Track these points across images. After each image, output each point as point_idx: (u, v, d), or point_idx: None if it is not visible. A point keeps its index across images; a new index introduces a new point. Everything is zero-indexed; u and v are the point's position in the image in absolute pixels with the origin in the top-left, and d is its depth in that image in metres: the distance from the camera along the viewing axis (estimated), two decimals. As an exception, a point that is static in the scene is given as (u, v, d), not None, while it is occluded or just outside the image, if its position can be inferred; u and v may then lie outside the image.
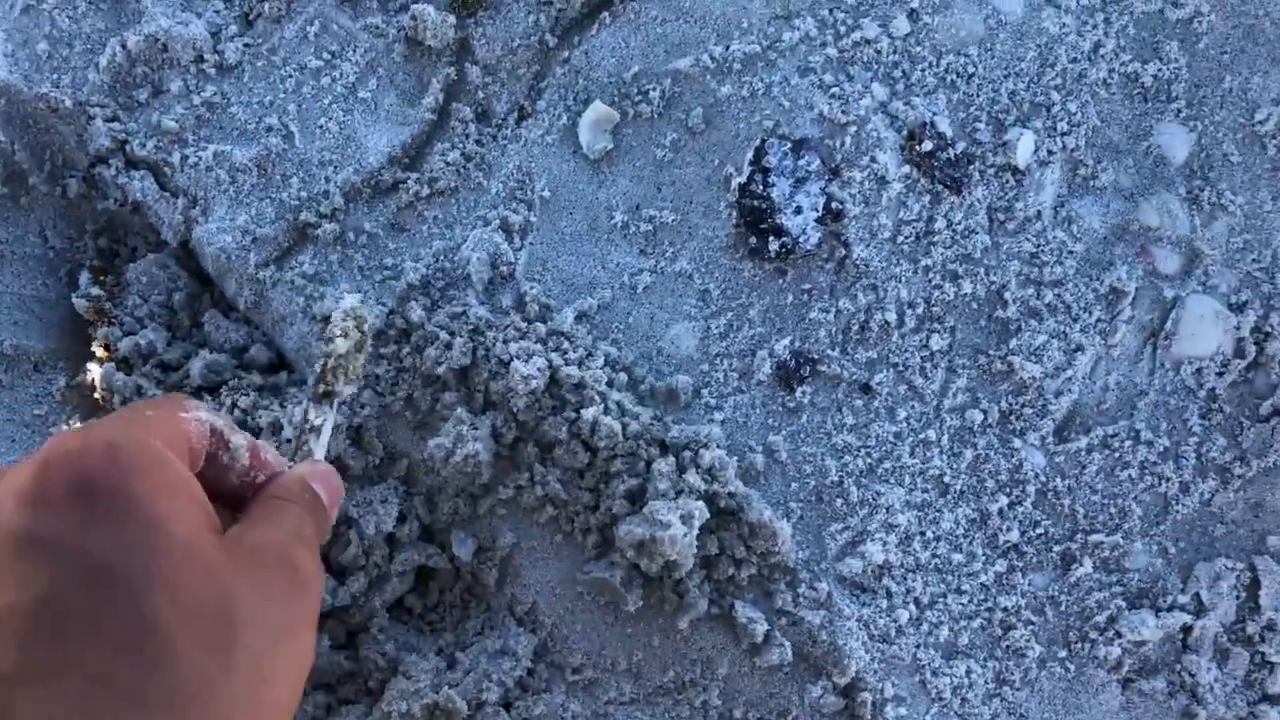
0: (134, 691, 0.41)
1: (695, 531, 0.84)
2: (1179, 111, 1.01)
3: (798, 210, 0.95)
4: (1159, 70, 0.98)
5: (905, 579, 0.90)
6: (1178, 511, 0.93)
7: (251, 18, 0.99)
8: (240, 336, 0.93)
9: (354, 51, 0.98)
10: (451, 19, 0.98)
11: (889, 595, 0.89)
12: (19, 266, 0.93)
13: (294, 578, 0.50)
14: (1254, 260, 0.98)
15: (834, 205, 0.95)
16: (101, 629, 0.41)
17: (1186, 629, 0.91)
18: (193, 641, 0.43)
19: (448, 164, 0.96)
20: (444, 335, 0.89)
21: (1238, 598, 0.92)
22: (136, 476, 0.45)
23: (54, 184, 0.95)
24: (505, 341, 0.90)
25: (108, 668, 0.41)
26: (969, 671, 0.89)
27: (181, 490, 0.47)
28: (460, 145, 0.97)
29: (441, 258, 0.94)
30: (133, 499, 0.44)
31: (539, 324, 0.92)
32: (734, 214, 0.96)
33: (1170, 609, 0.91)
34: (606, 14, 1.01)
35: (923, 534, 0.91)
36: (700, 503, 0.85)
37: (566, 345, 0.91)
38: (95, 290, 0.91)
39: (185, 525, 0.45)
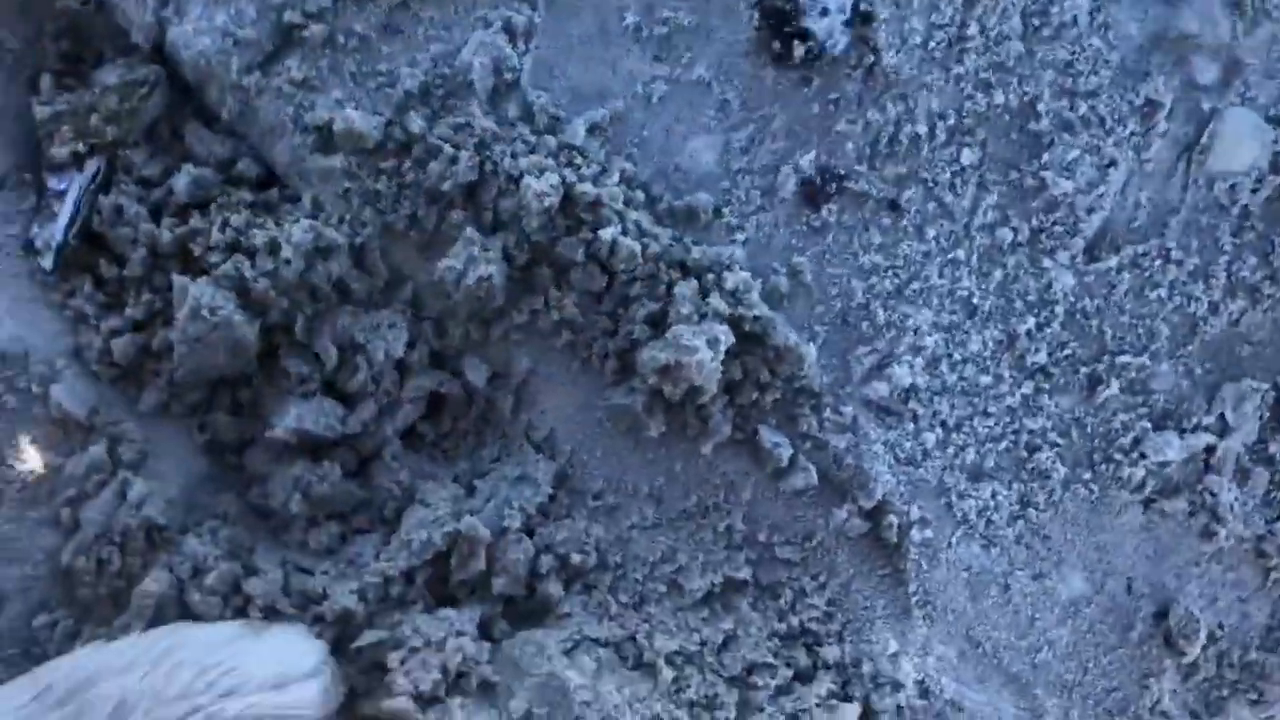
0: None
1: (721, 356, 0.80)
2: (1225, -92, 0.95)
3: (824, 12, 0.88)
4: None
5: (932, 402, 0.87)
6: (1205, 332, 0.91)
7: None
8: (226, 150, 0.86)
9: None
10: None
11: (915, 419, 0.87)
12: (-26, 72, 0.85)
13: None
14: (1295, 71, 0.94)
15: (863, 7, 0.88)
16: None
17: (1210, 449, 0.90)
18: None
19: (444, -42, 0.88)
20: (448, 148, 0.83)
21: (1261, 418, 0.91)
22: None
23: (6, -22, 0.85)
24: (514, 156, 0.84)
25: None
26: (994, 494, 0.88)
27: None
28: (457, -63, 0.89)
29: (440, 63, 0.86)
30: None
31: (549, 137, 0.86)
32: (756, 16, 0.89)
33: (1194, 430, 0.90)
34: None
35: (950, 356, 0.88)
36: (726, 327, 0.81)
37: (579, 160, 0.86)
38: (60, 100, 0.83)
39: None
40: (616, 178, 0.86)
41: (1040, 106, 0.90)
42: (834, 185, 0.88)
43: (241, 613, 0.80)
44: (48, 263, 0.82)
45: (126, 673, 0.73)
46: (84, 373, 0.83)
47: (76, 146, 0.83)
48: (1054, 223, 0.90)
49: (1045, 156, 0.90)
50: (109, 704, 0.71)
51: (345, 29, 0.85)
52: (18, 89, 0.85)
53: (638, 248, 0.83)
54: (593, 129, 0.87)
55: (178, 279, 0.80)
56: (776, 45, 0.88)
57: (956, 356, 0.88)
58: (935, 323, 0.88)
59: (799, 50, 0.88)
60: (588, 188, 0.83)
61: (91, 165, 0.83)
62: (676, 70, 0.89)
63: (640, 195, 0.86)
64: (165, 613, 0.80)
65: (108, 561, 0.80)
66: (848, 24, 0.88)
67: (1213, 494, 0.89)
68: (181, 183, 0.84)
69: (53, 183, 0.83)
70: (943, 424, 0.87)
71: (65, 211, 0.82)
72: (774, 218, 0.88)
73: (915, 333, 0.88)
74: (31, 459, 0.81)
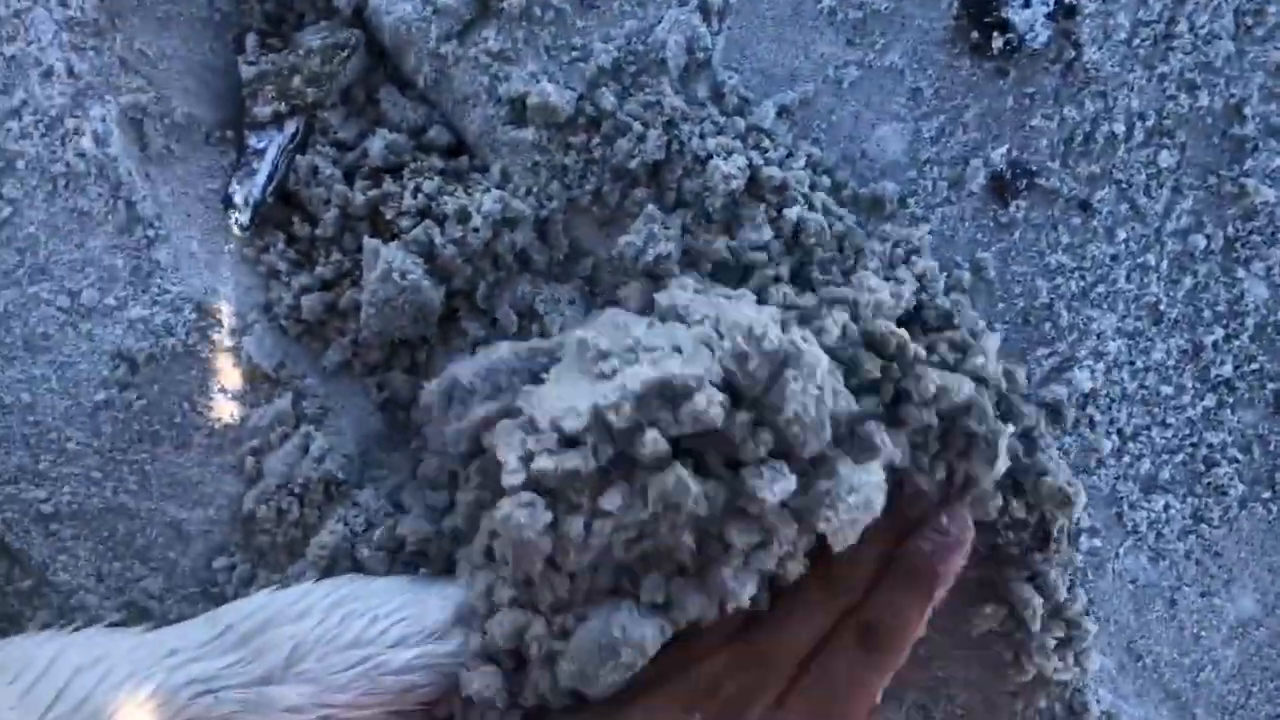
0: None
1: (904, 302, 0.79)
2: None
3: (1026, 4, 0.86)
4: None
5: (1110, 409, 0.85)
6: (1404, 355, 0.87)
7: None
8: (419, 116, 0.87)
9: None
10: None
11: (1092, 424, 0.85)
12: (185, 30, 0.87)
13: None
14: None
15: (1067, 0, 0.86)
16: None
17: (1399, 477, 0.87)
18: None
19: (641, -68, 0.88)
20: (637, 126, 0.83)
21: None
22: None
23: (217, -62, 0.87)
24: (702, 136, 0.83)
25: None
26: (1167, 507, 0.86)
27: None
28: (654, -89, 0.88)
29: (634, 39, 0.86)
30: None
31: (737, 118, 0.85)
32: (955, 4, 0.87)
33: (1385, 456, 0.87)
34: None
35: (1132, 363, 0.86)
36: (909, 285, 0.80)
37: (767, 143, 0.85)
38: (264, 60, 0.85)
39: None
40: (803, 162, 0.85)
41: (1247, 110, 0.86)
42: (1024, 181, 0.86)
43: (408, 568, 0.82)
44: (244, 218, 0.84)
45: (302, 619, 0.75)
46: (273, 327, 0.85)
47: (278, 106, 0.84)
48: (1251, 231, 0.87)
49: (1248, 163, 0.86)
50: (285, 649, 0.74)
51: (542, 1, 0.86)
52: (224, 48, 0.87)
53: (825, 223, 0.82)
54: (782, 112, 0.86)
55: (369, 242, 0.82)
56: (975, 35, 0.86)
57: (1139, 364, 0.86)
58: (1119, 328, 0.86)
59: (998, 41, 0.86)
60: (774, 171, 0.83)
61: (291, 125, 0.85)
62: (869, 56, 0.87)
63: (825, 180, 0.85)
64: (338, 564, 0.83)
65: (287, 511, 0.83)
66: (1050, 17, 0.86)
67: (1399, 524, 0.86)
68: (375, 147, 0.85)
69: (253, 141, 0.85)
70: (1119, 432, 0.86)
71: (264, 169, 0.84)
72: (960, 210, 0.86)
73: (1098, 337, 0.86)
74: (220, 408, 0.84)
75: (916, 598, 0.73)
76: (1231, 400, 0.87)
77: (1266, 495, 0.87)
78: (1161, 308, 0.86)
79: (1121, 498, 0.85)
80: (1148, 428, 0.86)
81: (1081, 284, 0.86)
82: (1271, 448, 0.87)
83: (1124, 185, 0.86)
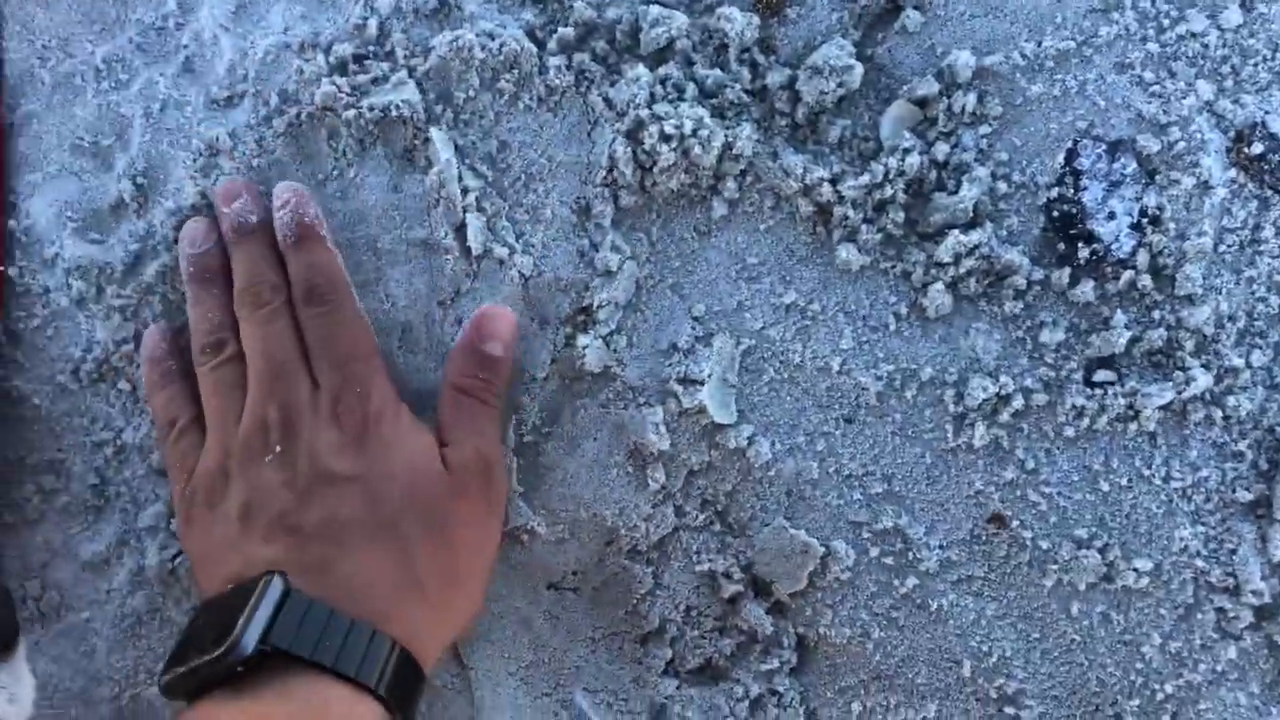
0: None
1: None
2: None
3: (1110, 216, 0.92)
4: None
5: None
6: None
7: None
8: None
9: (660, 53, 1.00)
10: (756, 19, 0.99)
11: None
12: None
13: (484, 481, 0.82)
14: None
15: (1151, 212, 0.91)
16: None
17: None
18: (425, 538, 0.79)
19: (750, 166, 0.98)
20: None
21: None
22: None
23: None
24: None
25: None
26: None
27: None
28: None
29: (743, 260, 0.96)
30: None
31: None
32: (1041, 218, 0.94)
33: None
34: (911, 9, 0.99)
35: (1234, 559, 0.88)
36: None
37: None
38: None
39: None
40: (900, 369, 0.92)
41: (1340, 309, 0.90)
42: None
43: None
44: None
45: None
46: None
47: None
48: (1352, 426, 0.89)
49: (1345, 361, 0.89)
50: None
51: (661, 228, 0.96)
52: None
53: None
54: (879, 322, 0.94)
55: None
56: (1061, 247, 0.92)
57: (1242, 560, 0.88)
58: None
59: (1084, 252, 0.92)
60: (873, 379, 0.90)
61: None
62: (962, 267, 0.94)
63: (922, 386, 0.92)
64: None
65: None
66: (1134, 228, 0.91)
67: None
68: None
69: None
70: None
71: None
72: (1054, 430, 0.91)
73: (1197, 534, 0.88)
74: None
75: (321, 253, 0.86)
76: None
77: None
78: (1262, 504, 0.88)
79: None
80: None
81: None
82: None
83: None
